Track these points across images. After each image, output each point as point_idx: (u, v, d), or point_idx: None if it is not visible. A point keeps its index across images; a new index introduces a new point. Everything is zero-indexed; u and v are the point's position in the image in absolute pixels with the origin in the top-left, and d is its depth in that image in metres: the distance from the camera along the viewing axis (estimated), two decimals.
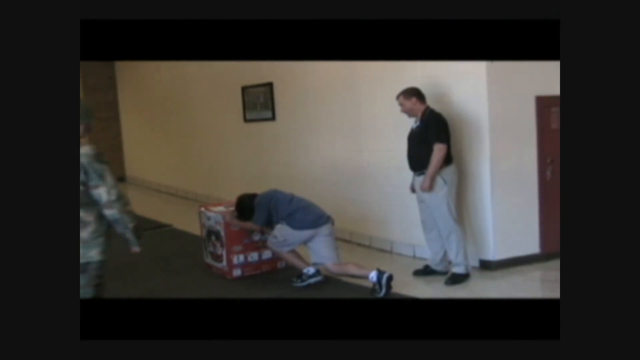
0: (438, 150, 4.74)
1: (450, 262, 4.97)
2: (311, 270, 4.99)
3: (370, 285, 4.64)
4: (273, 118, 7.75)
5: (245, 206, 5.12)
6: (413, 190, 5.13)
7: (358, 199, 6.43)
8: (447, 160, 4.85)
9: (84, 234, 3.25)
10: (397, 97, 4.99)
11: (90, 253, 3.30)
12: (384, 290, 4.51)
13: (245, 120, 8.35)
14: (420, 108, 4.92)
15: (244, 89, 8.25)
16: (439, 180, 4.82)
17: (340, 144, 6.62)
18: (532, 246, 5.34)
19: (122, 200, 3.32)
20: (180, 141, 10.57)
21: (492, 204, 5.13)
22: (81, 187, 3.18)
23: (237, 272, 5.32)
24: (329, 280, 5.03)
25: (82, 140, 3.22)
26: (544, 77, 5.06)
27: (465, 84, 5.09)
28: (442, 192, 4.83)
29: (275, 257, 5.40)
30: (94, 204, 3.26)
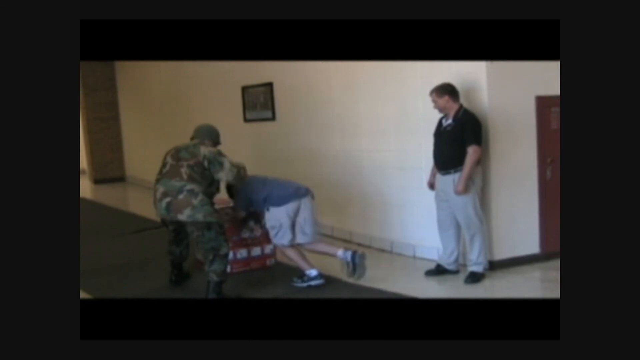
0: (473, 152, 4.67)
1: (469, 261, 4.95)
2: (313, 272, 4.96)
3: (371, 285, 4.63)
4: (273, 118, 7.74)
5: (230, 189, 5.22)
6: (432, 187, 5.10)
7: (358, 199, 6.42)
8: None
9: (195, 201, 4.34)
10: (430, 94, 4.89)
11: (197, 215, 4.33)
12: (356, 270, 4.64)
13: (245, 120, 8.35)
14: (453, 106, 4.82)
15: (244, 89, 8.24)
16: (468, 182, 4.76)
17: (340, 144, 6.62)
18: (532, 246, 5.33)
19: (238, 177, 4.62)
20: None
21: (492, 204, 5.13)
22: (196, 168, 4.47)
23: None
24: (328, 280, 5.03)
25: (206, 145, 4.71)
26: (544, 77, 5.05)
27: (465, 84, 5.08)
28: (470, 194, 4.77)
29: (265, 255, 5.46)
30: (202, 182, 4.45)
